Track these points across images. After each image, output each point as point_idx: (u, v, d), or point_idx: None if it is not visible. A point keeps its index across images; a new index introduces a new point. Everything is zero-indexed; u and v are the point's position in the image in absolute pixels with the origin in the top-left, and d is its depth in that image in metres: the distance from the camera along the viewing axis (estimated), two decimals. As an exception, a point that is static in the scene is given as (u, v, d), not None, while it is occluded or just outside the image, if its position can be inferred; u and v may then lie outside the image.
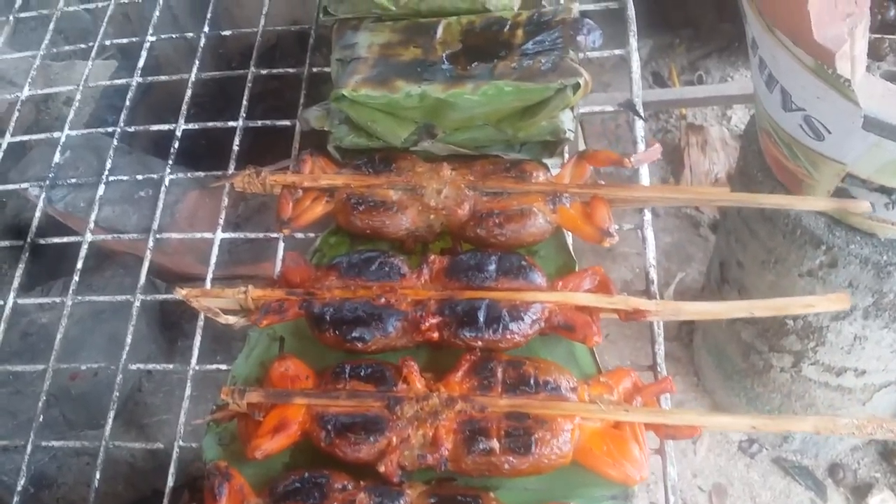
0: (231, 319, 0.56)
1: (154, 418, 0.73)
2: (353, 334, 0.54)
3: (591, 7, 0.70)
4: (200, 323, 0.59)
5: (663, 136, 1.82)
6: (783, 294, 1.04)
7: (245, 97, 0.68)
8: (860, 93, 0.69)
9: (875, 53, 0.93)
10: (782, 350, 1.16)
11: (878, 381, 1.13)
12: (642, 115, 0.61)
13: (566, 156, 0.63)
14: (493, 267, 0.54)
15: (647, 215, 0.57)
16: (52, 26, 0.80)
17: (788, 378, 1.19)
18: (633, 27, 0.67)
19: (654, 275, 0.55)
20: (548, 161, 0.61)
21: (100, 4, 0.79)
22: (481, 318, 0.52)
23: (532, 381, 0.50)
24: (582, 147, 0.80)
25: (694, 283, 1.62)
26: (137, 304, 0.60)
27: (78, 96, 0.72)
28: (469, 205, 0.58)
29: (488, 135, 0.62)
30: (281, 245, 0.62)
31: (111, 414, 0.57)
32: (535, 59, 0.60)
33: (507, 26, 0.63)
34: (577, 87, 0.58)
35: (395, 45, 0.64)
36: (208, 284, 0.62)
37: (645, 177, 0.58)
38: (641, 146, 0.61)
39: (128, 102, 0.70)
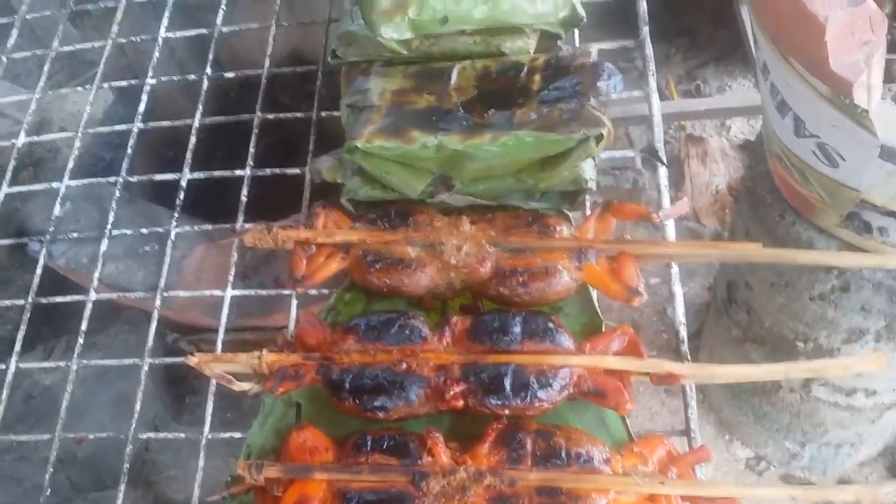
0: (245, 386, 0.54)
1: (163, 475, 0.70)
2: (375, 403, 0.52)
3: (606, 46, 0.68)
4: (212, 388, 0.57)
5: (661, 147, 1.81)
6: (793, 316, 1.02)
7: (252, 144, 0.66)
8: (877, 122, 0.68)
9: (886, 75, 0.92)
10: (792, 371, 1.15)
11: (888, 401, 1.13)
12: (665, 161, 0.59)
13: (588, 203, 0.62)
14: (518, 329, 0.52)
15: (675, 269, 0.56)
16: (47, 67, 0.77)
17: (798, 398, 1.18)
18: (652, 66, 0.65)
19: (684, 333, 0.53)
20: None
21: (96, 44, 0.77)
22: (508, 386, 0.50)
23: (563, 453, 0.48)
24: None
25: (696, 297, 1.60)
26: (146, 367, 0.58)
27: (77, 143, 0.69)
28: (491, 262, 0.56)
29: (507, 185, 0.60)
30: (294, 302, 0.60)
31: (122, 487, 0.54)
32: (555, 107, 0.58)
33: (524, 71, 0.61)
34: (599, 137, 0.56)
35: (408, 91, 0.62)
36: (219, 345, 0.59)
37: (671, 230, 0.56)
38: (665, 195, 0.59)
39: (129, 150, 0.67)
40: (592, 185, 0.58)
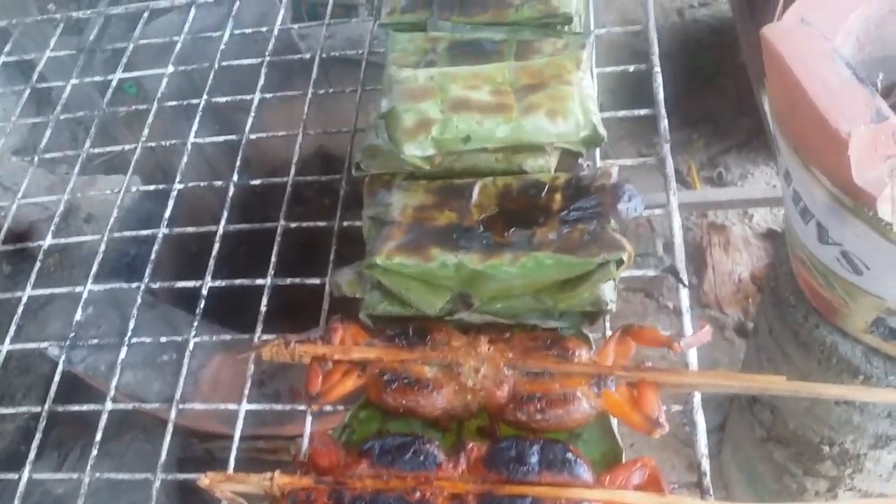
0: (256, 509, 0.53)
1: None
2: (387, 533, 0.50)
3: (628, 162, 0.68)
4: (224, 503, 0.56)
5: (684, 235, 1.80)
6: (818, 419, 1.00)
7: (274, 253, 0.67)
8: (901, 234, 0.67)
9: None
10: (818, 475, 1.12)
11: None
12: (686, 282, 0.58)
13: (607, 323, 0.61)
14: (535, 458, 0.51)
15: (697, 397, 0.54)
16: (77, 169, 0.79)
17: (823, 502, 1.14)
18: (673, 184, 0.65)
19: (706, 466, 0.52)
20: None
21: (127, 147, 0.79)
22: (524, 520, 0.49)
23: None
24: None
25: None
26: (157, 483, 0.57)
27: (102, 247, 0.70)
28: (508, 386, 0.55)
29: (527, 304, 0.60)
30: (308, 417, 0.60)
31: None
32: (575, 228, 0.58)
33: (545, 190, 0.62)
34: (619, 262, 0.55)
35: (429, 207, 0.63)
36: (232, 459, 0.59)
37: (693, 357, 0.55)
38: (687, 317, 0.58)
39: (153, 255, 0.68)
40: (612, 306, 0.58)
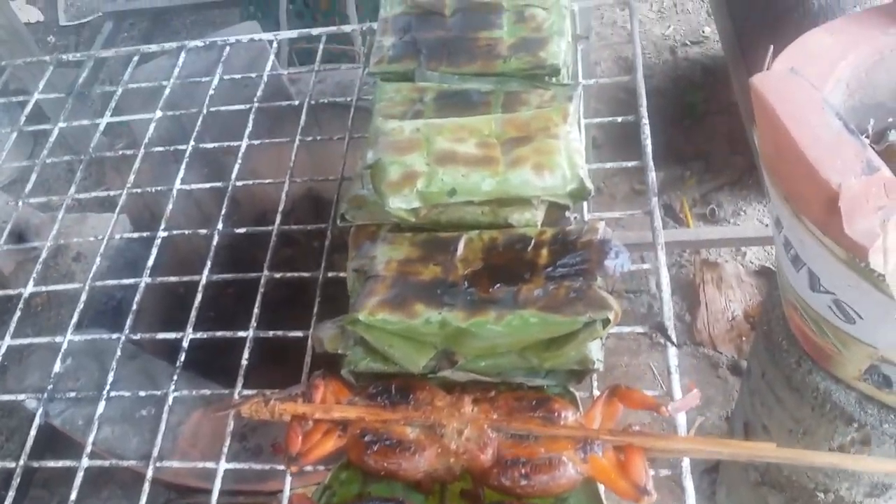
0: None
1: None
2: None
3: (616, 215, 0.68)
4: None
5: (677, 272, 1.80)
6: (812, 466, 0.98)
7: (256, 305, 0.66)
8: (894, 285, 0.66)
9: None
10: (813, 522, 1.09)
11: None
12: (675, 340, 0.58)
13: (594, 382, 0.60)
14: (519, 526, 0.50)
15: (686, 462, 0.53)
16: (61, 214, 0.78)
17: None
18: (661, 239, 0.65)
19: (695, 533, 0.51)
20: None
21: (112, 192, 0.78)
22: (506, 592, 0.48)
23: None
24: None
25: (714, 427, 1.56)
26: (132, 547, 0.56)
27: (83, 297, 0.69)
28: (492, 449, 0.54)
29: (512, 362, 0.59)
30: (288, 478, 0.58)
31: None
32: (561, 285, 0.58)
33: (531, 245, 0.61)
34: (606, 321, 0.55)
35: (414, 261, 0.62)
36: (209, 521, 0.57)
37: (682, 421, 0.54)
38: (676, 377, 0.57)
39: (134, 306, 0.67)
40: (599, 365, 0.57)
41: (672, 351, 0.58)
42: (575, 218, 0.66)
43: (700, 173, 1.95)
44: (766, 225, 1.79)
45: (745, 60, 1.86)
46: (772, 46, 1.07)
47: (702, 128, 2.04)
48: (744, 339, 1.69)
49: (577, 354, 0.57)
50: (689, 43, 2.27)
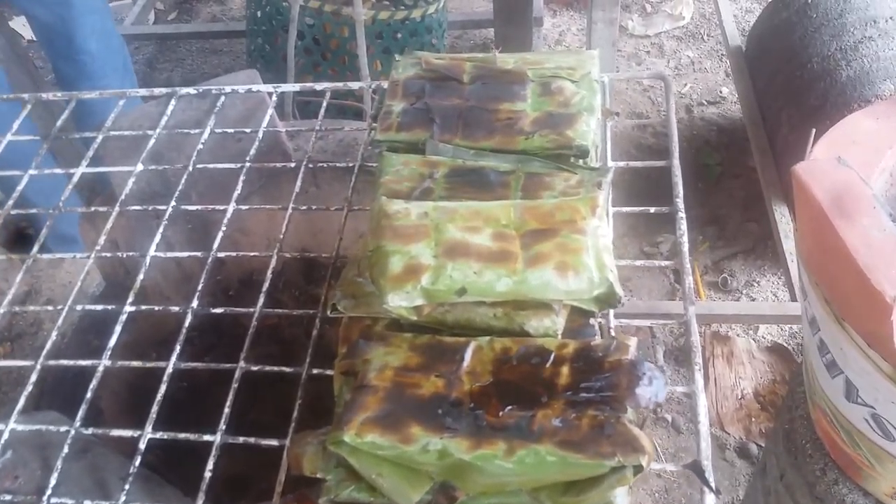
0: None
1: None
2: None
3: (649, 323, 0.59)
4: None
5: (686, 341, 1.71)
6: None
7: (228, 403, 0.57)
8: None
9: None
10: None
11: None
12: (713, 486, 0.49)
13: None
14: None
15: None
16: (19, 276, 0.70)
17: None
18: (699, 359, 0.56)
19: None
20: None
21: (79, 255, 0.70)
22: None
23: None
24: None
25: (727, 508, 1.46)
26: None
27: (33, 377, 0.61)
28: None
29: (521, 503, 0.50)
30: None
31: None
32: (585, 414, 0.49)
33: (550, 360, 0.52)
34: (638, 468, 0.46)
35: (413, 370, 0.53)
36: None
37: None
38: (712, 532, 0.48)
39: (89, 394, 0.58)
40: (625, 515, 0.48)
41: (710, 498, 0.49)
42: (599, 324, 0.58)
43: (713, 239, 1.87)
44: (782, 301, 1.70)
45: (765, 125, 1.80)
46: (813, 130, 0.99)
47: (716, 191, 1.97)
48: (753, 419, 1.60)
49: (600, 502, 0.48)
50: (705, 102, 2.21)
